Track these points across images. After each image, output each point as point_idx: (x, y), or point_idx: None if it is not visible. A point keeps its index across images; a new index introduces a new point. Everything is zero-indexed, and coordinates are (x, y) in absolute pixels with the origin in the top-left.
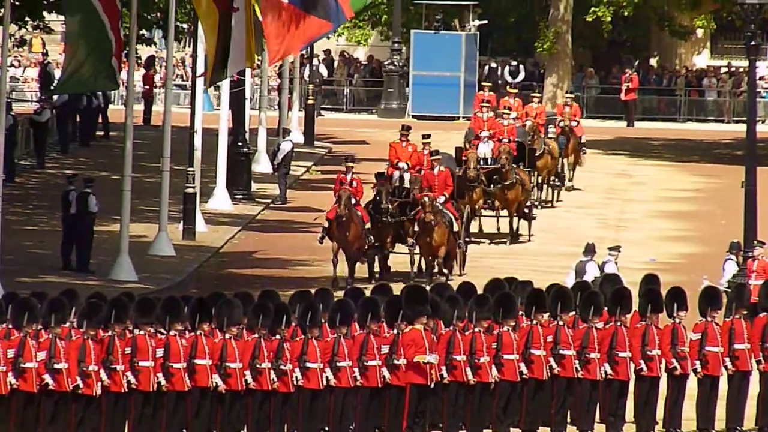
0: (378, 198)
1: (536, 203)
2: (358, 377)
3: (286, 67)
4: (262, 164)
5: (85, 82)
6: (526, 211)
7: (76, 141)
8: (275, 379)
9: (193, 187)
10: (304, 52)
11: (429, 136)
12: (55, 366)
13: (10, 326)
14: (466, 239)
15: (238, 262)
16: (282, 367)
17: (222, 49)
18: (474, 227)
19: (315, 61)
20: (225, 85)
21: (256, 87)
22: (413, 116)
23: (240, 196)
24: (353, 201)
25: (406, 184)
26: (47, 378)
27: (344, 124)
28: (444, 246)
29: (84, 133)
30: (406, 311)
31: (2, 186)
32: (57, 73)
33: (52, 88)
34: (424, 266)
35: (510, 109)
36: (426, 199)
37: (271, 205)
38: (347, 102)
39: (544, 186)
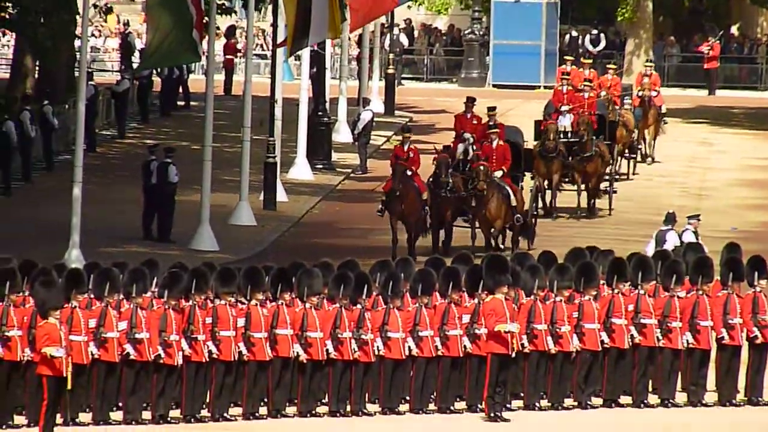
0: (438, 171)
1: (614, 176)
2: (440, 347)
3: (367, 36)
4: (342, 134)
5: (169, 57)
6: (605, 185)
7: (157, 111)
8: (356, 349)
9: (274, 157)
10: (384, 21)
11: (494, 108)
12: (136, 336)
13: (92, 296)
14: (534, 213)
15: (319, 231)
16: (363, 336)
17: (302, 18)
18: (540, 203)
19: (395, 31)
20: (305, 54)
21: (337, 56)
22: (494, 85)
23: (320, 166)
24: (410, 172)
25: (471, 157)
26: (128, 348)
27: (424, 93)
28: (500, 219)
29: (165, 103)
30: (487, 281)
31: (83, 156)
32: (138, 43)
33: (135, 62)
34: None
35: (590, 80)
36: (481, 168)
37: (352, 175)
38: (427, 71)
39: (619, 158)
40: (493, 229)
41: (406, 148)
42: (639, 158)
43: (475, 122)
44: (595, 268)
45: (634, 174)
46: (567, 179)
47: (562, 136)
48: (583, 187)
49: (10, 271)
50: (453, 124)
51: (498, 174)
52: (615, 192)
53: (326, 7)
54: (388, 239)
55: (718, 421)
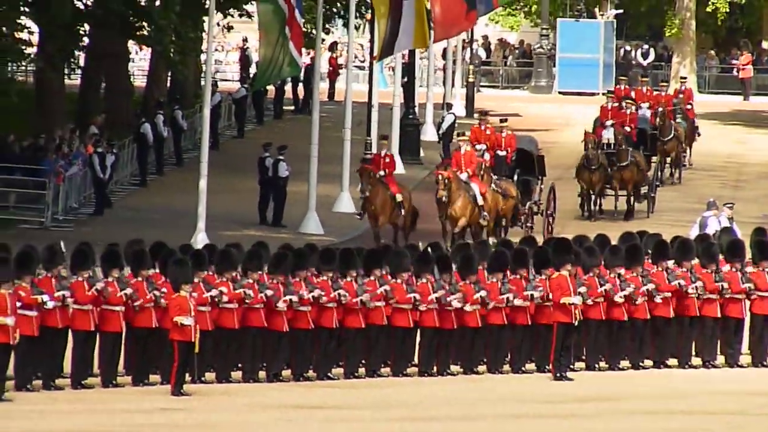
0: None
1: (657, 183)
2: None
3: (450, 49)
4: (428, 134)
5: (276, 74)
6: (645, 190)
7: (271, 115)
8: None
9: (370, 154)
10: (465, 37)
11: (506, 120)
12: (253, 307)
13: (212, 273)
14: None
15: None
16: (447, 308)
17: (391, 32)
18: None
19: (474, 45)
20: (398, 65)
21: (425, 67)
22: (559, 92)
23: (411, 162)
24: (382, 174)
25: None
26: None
27: (499, 99)
28: (465, 217)
29: (277, 107)
30: (554, 259)
31: (208, 153)
32: (254, 57)
33: (250, 79)
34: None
35: (633, 99)
36: (439, 177)
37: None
38: (502, 80)
39: (669, 167)
40: (457, 227)
41: (383, 153)
42: (685, 166)
43: (488, 133)
44: (641, 248)
45: (677, 180)
46: (608, 186)
47: (605, 147)
48: (624, 192)
49: (141, 252)
50: (469, 136)
51: (464, 176)
52: (653, 198)
53: (413, 21)
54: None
55: (750, 378)
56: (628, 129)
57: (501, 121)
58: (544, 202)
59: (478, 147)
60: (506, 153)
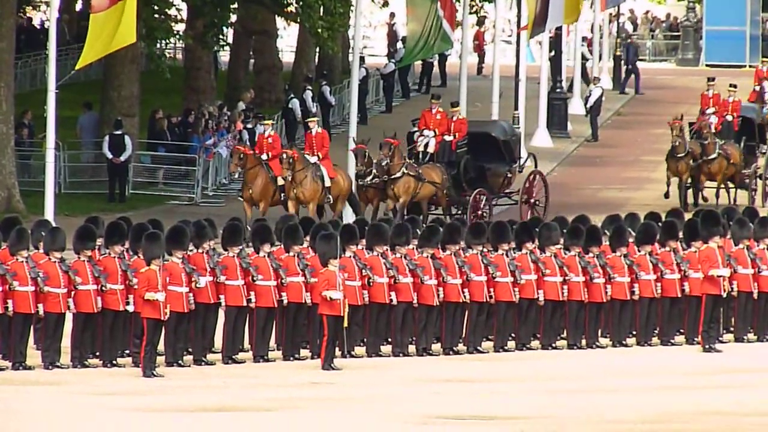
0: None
1: (758, 174)
2: (659, 290)
3: (597, 23)
4: (576, 107)
5: (426, 50)
6: (746, 180)
7: (417, 90)
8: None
9: (518, 128)
10: (612, 11)
11: (457, 104)
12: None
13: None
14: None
15: (557, 190)
16: (596, 281)
17: (542, 7)
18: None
19: (621, 19)
20: (545, 39)
21: (571, 42)
22: (706, 65)
23: (558, 135)
24: (266, 156)
25: (430, 149)
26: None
27: (646, 72)
28: (314, 200)
29: (424, 82)
30: (702, 232)
31: (356, 128)
32: (401, 31)
33: (399, 48)
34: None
35: (735, 85)
36: (284, 155)
37: (585, 143)
38: (649, 53)
39: None
40: (310, 206)
41: (266, 133)
42: None
43: (439, 117)
44: None
45: None
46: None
47: (698, 136)
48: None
49: (294, 227)
50: (418, 120)
51: (313, 159)
52: (755, 189)
53: None
54: (614, 197)
55: None
56: (729, 118)
57: (452, 105)
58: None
59: (426, 133)
60: (453, 138)
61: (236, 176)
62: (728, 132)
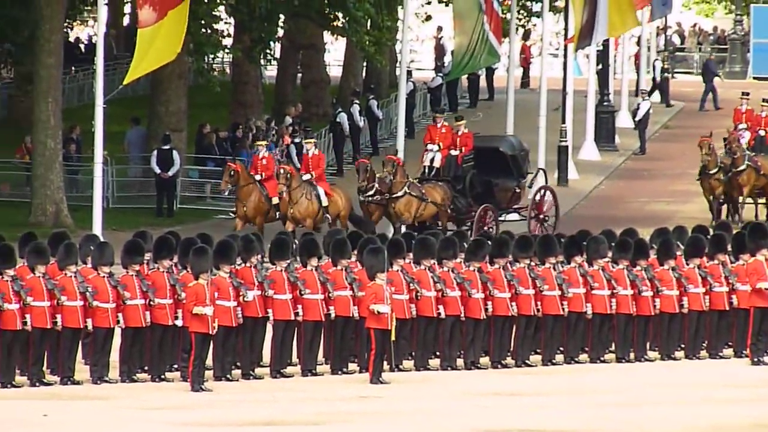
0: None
1: None
2: (708, 303)
3: (644, 36)
4: (624, 120)
5: (473, 63)
6: None
7: (466, 103)
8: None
9: (566, 141)
10: (659, 24)
11: (461, 118)
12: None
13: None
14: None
15: (604, 204)
16: (644, 294)
17: (589, 19)
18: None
19: (669, 32)
20: (592, 53)
21: (619, 55)
22: (754, 78)
23: (606, 148)
24: (259, 177)
25: (436, 164)
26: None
27: (694, 85)
28: (310, 218)
29: (471, 95)
30: (749, 245)
31: (404, 142)
32: (449, 45)
33: (446, 62)
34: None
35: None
36: (281, 171)
37: (633, 156)
38: (696, 66)
39: None
40: (302, 225)
41: (260, 155)
42: None
43: (444, 131)
44: None
45: None
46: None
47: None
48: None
49: (342, 241)
50: (424, 136)
51: (306, 177)
52: None
53: (606, 11)
54: (662, 210)
55: None
56: (762, 133)
57: (456, 119)
58: None
59: (429, 147)
60: (459, 152)
61: (226, 194)
62: (761, 147)
